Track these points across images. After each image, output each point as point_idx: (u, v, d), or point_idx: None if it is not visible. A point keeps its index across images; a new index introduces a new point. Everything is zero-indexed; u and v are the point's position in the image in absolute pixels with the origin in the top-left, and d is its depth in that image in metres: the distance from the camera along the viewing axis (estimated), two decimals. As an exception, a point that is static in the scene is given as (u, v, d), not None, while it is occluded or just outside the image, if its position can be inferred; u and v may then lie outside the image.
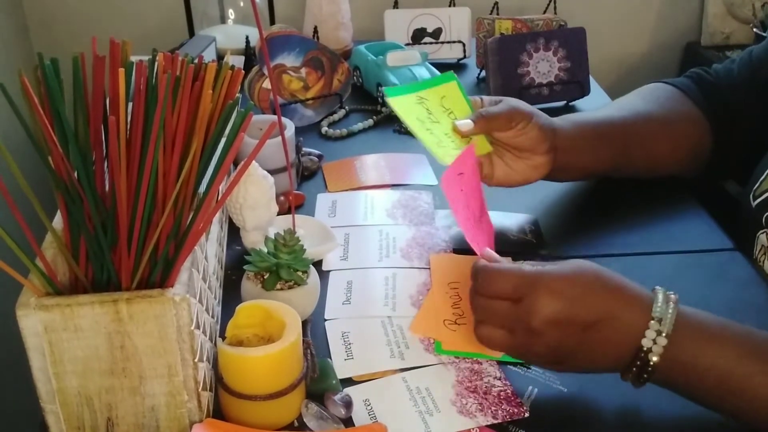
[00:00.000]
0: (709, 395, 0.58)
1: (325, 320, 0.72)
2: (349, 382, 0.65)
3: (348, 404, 0.61)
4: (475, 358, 0.67)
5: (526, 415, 0.61)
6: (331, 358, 0.67)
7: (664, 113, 0.91)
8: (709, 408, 0.59)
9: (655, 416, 0.62)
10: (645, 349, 0.57)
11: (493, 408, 0.62)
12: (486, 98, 0.82)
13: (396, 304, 0.74)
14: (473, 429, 0.60)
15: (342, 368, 0.66)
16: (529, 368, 0.66)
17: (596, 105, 1.20)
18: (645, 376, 0.58)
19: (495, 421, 0.60)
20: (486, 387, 0.64)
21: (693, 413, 0.61)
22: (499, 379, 0.65)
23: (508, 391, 0.63)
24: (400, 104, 0.79)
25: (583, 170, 0.88)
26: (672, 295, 0.58)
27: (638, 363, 0.57)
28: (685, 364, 0.57)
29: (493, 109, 0.79)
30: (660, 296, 0.58)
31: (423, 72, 1.19)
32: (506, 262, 0.62)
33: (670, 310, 0.57)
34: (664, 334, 0.56)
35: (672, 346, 0.57)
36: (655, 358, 0.57)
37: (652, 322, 0.57)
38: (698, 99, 0.92)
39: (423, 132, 0.77)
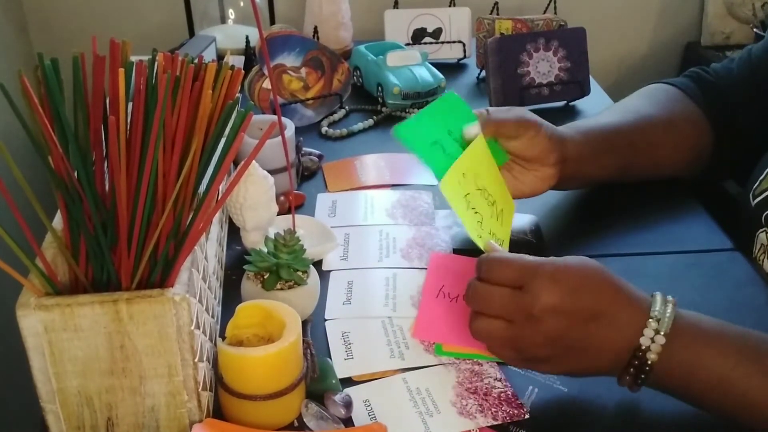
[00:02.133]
0: (706, 397, 0.58)
1: (326, 320, 0.72)
2: (349, 382, 0.65)
3: (348, 404, 0.61)
4: (475, 360, 0.67)
5: (527, 416, 0.61)
6: (331, 358, 0.67)
7: (667, 116, 0.90)
8: (706, 410, 0.59)
9: (655, 416, 0.62)
10: (643, 348, 0.57)
11: (493, 409, 0.62)
12: (492, 108, 0.82)
13: (396, 305, 0.74)
14: (473, 430, 0.60)
15: (342, 368, 0.66)
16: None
17: (596, 105, 1.20)
18: (642, 376, 0.57)
19: (495, 422, 0.60)
20: (486, 388, 0.64)
21: (692, 413, 0.61)
22: (500, 380, 0.65)
23: (509, 392, 0.63)
24: (449, 189, 0.67)
25: (589, 179, 0.88)
26: (670, 298, 0.59)
27: (636, 363, 0.57)
28: (683, 364, 0.57)
29: (500, 114, 0.78)
30: (658, 298, 0.58)
31: (423, 72, 1.19)
32: (509, 254, 0.62)
33: (669, 311, 0.57)
34: (662, 333, 0.57)
35: (670, 345, 0.57)
36: (653, 357, 0.57)
37: (651, 320, 0.57)
38: (699, 99, 0.92)
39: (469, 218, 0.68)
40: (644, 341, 0.57)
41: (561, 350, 0.58)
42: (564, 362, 0.60)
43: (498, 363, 0.67)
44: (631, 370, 0.58)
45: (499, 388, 0.64)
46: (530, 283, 0.58)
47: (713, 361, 0.57)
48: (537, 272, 0.58)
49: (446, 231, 0.86)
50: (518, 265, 0.59)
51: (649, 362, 0.57)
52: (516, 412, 0.61)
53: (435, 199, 0.93)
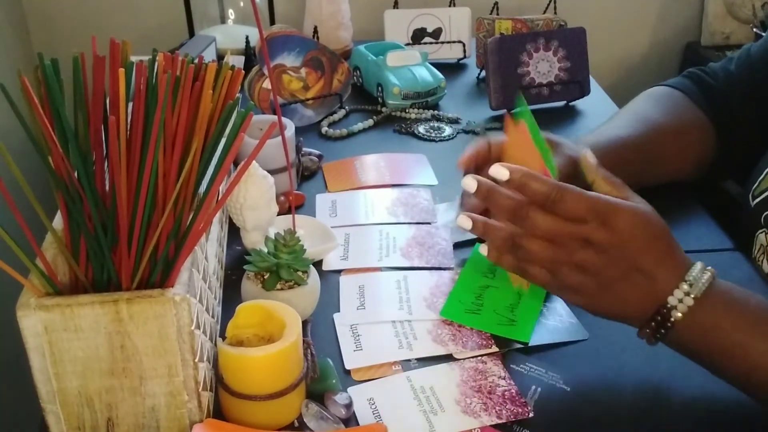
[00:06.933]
0: (722, 361, 0.59)
1: (335, 322, 0.72)
2: (353, 380, 0.65)
3: (348, 404, 0.61)
4: (479, 357, 0.67)
5: (530, 415, 0.61)
6: (339, 349, 0.67)
7: (676, 124, 0.90)
8: (717, 374, 0.60)
9: (659, 415, 0.62)
10: (669, 305, 0.58)
11: (497, 408, 0.61)
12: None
13: (411, 308, 0.74)
14: (477, 429, 0.60)
15: (350, 359, 0.66)
16: (533, 368, 0.66)
17: (596, 105, 1.20)
18: (662, 331, 0.59)
19: (499, 421, 0.60)
20: (490, 386, 0.64)
21: (700, 411, 0.61)
22: (504, 378, 0.65)
23: (513, 390, 0.63)
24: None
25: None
26: (710, 268, 0.60)
27: (659, 318, 0.58)
28: (705, 328, 0.58)
29: None
30: (698, 265, 0.60)
31: (423, 72, 1.19)
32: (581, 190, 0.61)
33: (705, 278, 0.59)
34: (692, 296, 0.58)
35: (697, 308, 0.58)
36: (678, 315, 0.58)
37: (684, 283, 0.58)
38: (702, 103, 0.92)
39: None
40: (672, 300, 0.58)
41: (593, 284, 0.60)
42: (593, 297, 0.60)
43: (502, 362, 0.66)
44: (653, 324, 0.59)
45: (503, 386, 0.64)
46: (603, 219, 0.58)
47: (735, 326, 0.58)
48: (608, 209, 0.59)
49: (446, 229, 0.86)
50: (592, 203, 0.59)
51: (672, 319, 0.58)
52: (520, 410, 0.61)
53: (435, 198, 0.92)
